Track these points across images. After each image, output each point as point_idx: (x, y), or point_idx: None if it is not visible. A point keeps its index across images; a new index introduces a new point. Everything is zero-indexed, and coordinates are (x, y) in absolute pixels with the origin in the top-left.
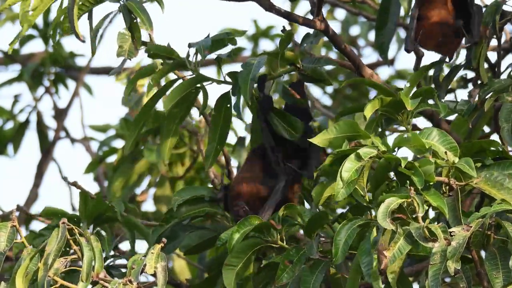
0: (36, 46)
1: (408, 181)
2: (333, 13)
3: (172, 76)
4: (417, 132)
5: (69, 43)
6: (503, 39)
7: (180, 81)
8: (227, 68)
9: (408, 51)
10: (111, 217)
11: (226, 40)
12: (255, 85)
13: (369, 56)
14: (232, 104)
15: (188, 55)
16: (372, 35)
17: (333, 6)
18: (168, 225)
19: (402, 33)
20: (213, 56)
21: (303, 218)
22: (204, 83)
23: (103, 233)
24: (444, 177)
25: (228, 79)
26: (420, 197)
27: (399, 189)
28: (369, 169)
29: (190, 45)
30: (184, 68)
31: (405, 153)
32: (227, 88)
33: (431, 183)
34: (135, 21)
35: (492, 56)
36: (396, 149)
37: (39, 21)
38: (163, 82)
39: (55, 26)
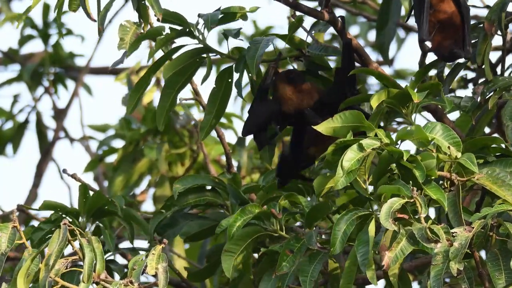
0: (35, 46)
1: (410, 175)
2: None
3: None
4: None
5: (69, 44)
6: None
7: (185, 49)
8: (225, 65)
9: (423, 40)
10: (111, 211)
11: (237, 14)
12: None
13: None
14: (234, 80)
15: (197, 24)
16: (372, 35)
17: (333, 6)
18: (167, 212)
19: (402, 33)
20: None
21: (304, 208)
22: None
23: (101, 225)
24: (446, 172)
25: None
26: (422, 197)
27: (398, 181)
28: (371, 161)
29: (199, 16)
30: (192, 37)
31: (409, 147)
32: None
33: (433, 178)
34: (143, 2)
35: (493, 56)
36: (399, 142)
37: (39, 21)
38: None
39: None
